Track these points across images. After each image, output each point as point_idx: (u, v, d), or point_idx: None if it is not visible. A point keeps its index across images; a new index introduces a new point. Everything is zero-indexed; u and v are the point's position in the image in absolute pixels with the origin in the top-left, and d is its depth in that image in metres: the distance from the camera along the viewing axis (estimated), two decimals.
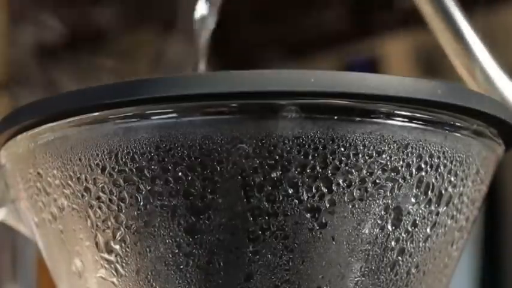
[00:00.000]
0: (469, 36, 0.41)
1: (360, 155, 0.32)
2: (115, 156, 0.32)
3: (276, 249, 0.32)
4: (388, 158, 0.32)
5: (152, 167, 0.32)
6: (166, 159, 0.32)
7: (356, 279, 0.33)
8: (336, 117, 0.31)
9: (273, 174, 0.31)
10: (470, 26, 0.41)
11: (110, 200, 0.33)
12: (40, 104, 0.34)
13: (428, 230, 0.34)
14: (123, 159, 0.32)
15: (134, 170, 0.32)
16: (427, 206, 0.33)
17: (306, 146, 0.31)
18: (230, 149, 0.31)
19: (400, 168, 0.32)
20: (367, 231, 0.32)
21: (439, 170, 0.33)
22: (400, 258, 0.33)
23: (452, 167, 0.34)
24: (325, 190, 0.32)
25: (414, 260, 0.34)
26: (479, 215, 0.37)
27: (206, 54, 0.48)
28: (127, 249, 0.33)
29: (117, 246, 0.33)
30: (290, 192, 0.31)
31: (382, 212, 0.32)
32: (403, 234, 0.33)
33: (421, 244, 0.34)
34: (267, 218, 0.32)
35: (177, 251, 0.32)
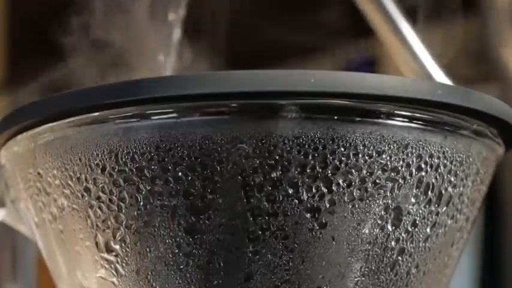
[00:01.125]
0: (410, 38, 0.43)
1: (360, 155, 0.32)
2: (115, 156, 0.32)
3: (276, 249, 0.32)
4: (388, 158, 0.32)
5: (152, 167, 0.32)
6: (166, 159, 0.32)
7: (356, 279, 0.33)
8: (336, 117, 0.31)
9: (273, 174, 0.31)
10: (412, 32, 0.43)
11: (110, 200, 0.33)
12: (40, 104, 0.34)
13: (428, 230, 0.34)
14: (123, 159, 0.32)
15: (134, 170, 0.32)
16: (427, 206, 0.33)
17: (306, 146, 0.31)
18: (230, 149, 0.31)
19: (400, 168, 0.32)
20: (367, 231, 0.32)
21: (439, 170, 0.33)
22: (400, 258, 0.33)
23: (452, 167, 0.34)
24: (325, 190, 0.32)
25: (414, 260, 0.34)
26: (479, 215, 0.37)
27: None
28: (127, 249, 0.33)
29: (117, 246, 0.33)
30: (290, 192, 0.31)
31: (382, 212, 0.32)
32: (403, 234, 0.33)
33: (421, 244, 0.34)
34: (267, 218, 0.32)
35: (177, 251, 0.32)
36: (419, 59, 0.43)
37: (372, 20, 0.45)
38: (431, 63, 0.43)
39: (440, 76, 0.43)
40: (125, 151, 0.32)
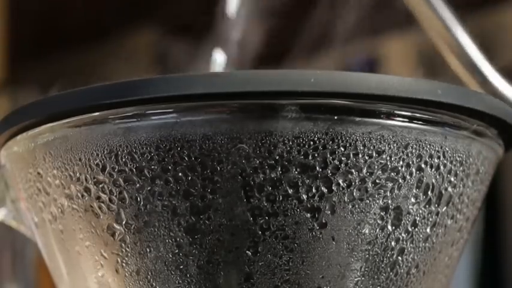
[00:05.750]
0: (462, 36, 0.42)
1: (360, 155, 0.32)
2: (115, 156, 0.32)
3: (276, 249, 0.32)
4: (388, 158, 0.32)
5: (152, 167, 0.32)
6: (166, 159, 0.32)
7: (356, 279, 0.33)
8: (336, 117, 0.31)
9: (273, 174, 0.31)
10: (464, 27, 0.42)
11: (110, 200, 0.33)
12: (40, 104, 0.34)
13: (428, 230, 0.34)
14: (123, 159, 0.32)
15: (134, 170, 0.32)
16: (427, 206, 0.33)
17: (306, 146, 0.31)
18: (230, 149, 0.31)
19: (400, 168, 0.32)
20: (367, 231, 0.32)
21: (439, 170, 0.33)
22: (400, 258, 0.33)
23: (452, 167, 0.34)
24: (325, 190, 0.32)
25: (414, 260, 0.34)
26: (479, 215, 0.37)
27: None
28: (127, 249, 0.33)
29: (117, 246, 0.33)
30: (290, 192, 0.31)
31: (382, 212, 0.32)
32: (403, 234, 0.33)
33: (421, 244, 0.34)
34: (267, 218, 0.32)
35: (177, 251, 0.32)
36: (472, 61, 0.42)
37: (421, 21, 0.43)
38: (486, 65, 0.42)
39: (496, 77, 0.41)
40: (125, 151, 0.32)
